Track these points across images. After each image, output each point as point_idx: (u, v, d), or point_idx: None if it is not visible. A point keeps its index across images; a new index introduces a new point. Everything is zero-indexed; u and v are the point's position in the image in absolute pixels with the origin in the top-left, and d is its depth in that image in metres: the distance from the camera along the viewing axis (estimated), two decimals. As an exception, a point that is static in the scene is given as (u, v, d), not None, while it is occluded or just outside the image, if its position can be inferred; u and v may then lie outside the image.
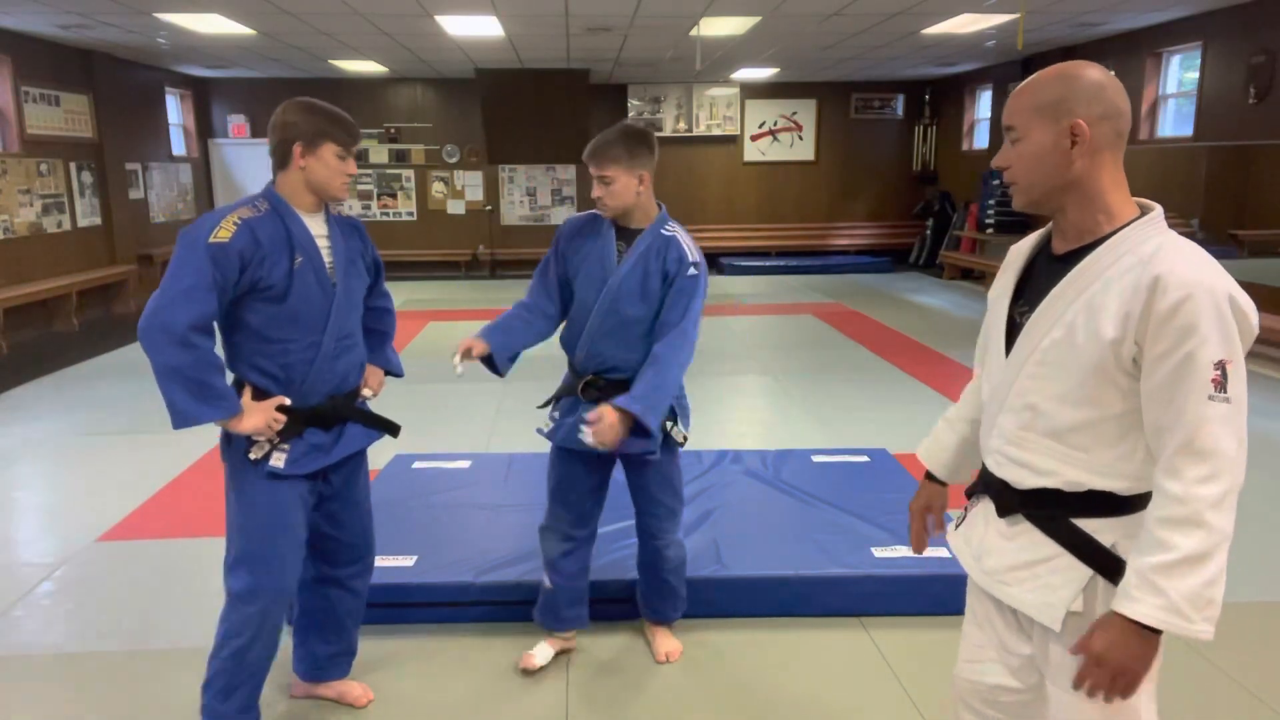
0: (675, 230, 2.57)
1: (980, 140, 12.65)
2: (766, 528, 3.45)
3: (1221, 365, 1.31)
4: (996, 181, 10.81)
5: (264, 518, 2.25)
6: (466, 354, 2.52)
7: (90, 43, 9.27)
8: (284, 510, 2.27)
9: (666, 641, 2.91)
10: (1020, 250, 1.62)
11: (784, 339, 8.29)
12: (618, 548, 3.21)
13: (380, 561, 2.62)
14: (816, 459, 4.23)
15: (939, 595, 3.02)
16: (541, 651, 2.81)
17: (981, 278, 11.52)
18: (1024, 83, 1.47)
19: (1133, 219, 1.43)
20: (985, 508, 1.63)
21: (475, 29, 8.54)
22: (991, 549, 1.59)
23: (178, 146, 12.10)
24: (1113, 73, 1.46)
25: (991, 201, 11.44)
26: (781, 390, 6.39)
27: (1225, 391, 1.31)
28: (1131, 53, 9.02)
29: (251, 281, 2.14)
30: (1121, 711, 1.47)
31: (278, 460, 2.23)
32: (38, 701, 2.73)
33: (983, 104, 12.60)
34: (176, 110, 12.23)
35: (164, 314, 2.04)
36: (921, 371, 6.76)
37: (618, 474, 2.74)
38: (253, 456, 2.21)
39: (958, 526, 1.72)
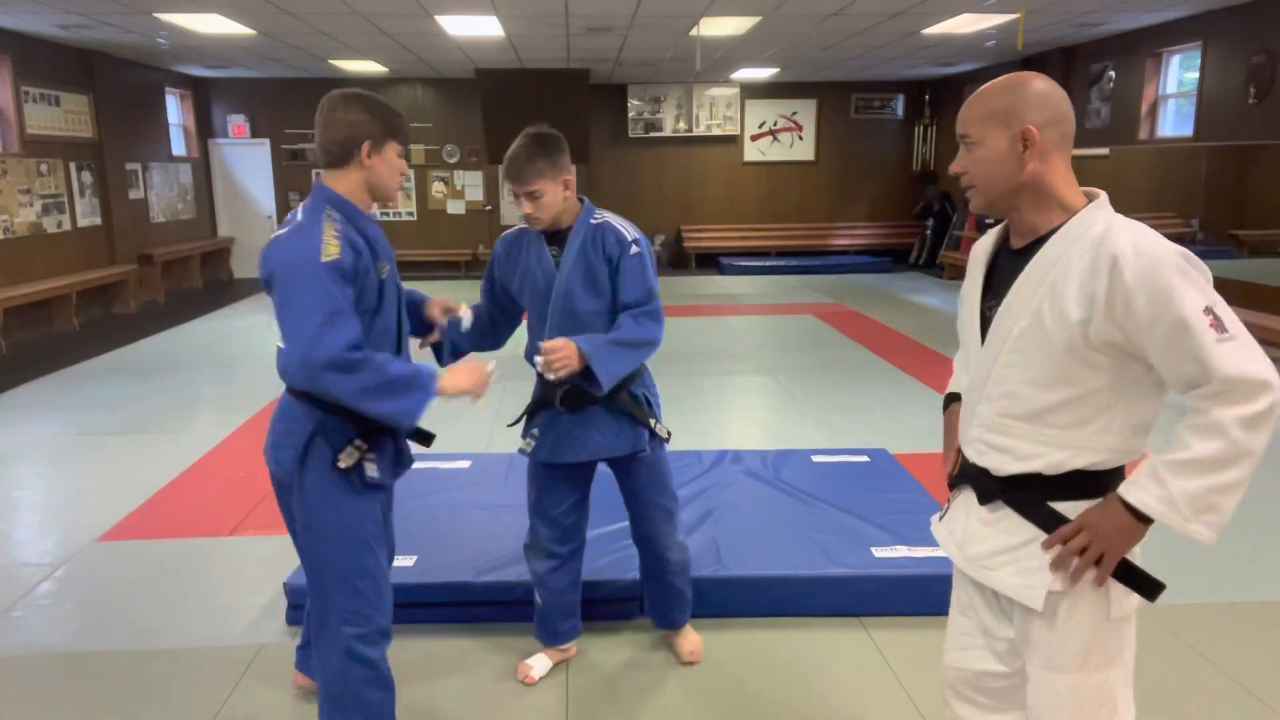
0: (604, 216, 2.55)
1: (980, 140, 12.64)
2: (766, 528, 3.45)
3: (1210, 310, 1.36)
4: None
5: (363, 530, 2.11)
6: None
7: (90, 43, 9.27)
8: (377, 521, 2.16)
9: (687, 640, 2.90)
10: (983, 246, 1.69)
11: (784, 339, 8.29)
12: (617, 548, 3.21)
13: (380, 561, 2.62)
14: (816, 459, 4.22)
15: (939, 595, 3.00)
16: (539, 664, 2.81)
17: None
18: (975, 94, 1.54)
19: (1081, 208, 1.50)
20: (967, 497, 1.68)
21: (475, 29, 8.54)
22: (974, 536, 1.65)
23: (178, 146, 12.09)
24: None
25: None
26: (781, 390, 6.39)
27: (1227, 330, 1.36)
28: (1131, 53, 9.02)
29: (355, 296, 1.99)
30: (1095, 693, 1.53)
31: (371, 470, 2.09)
32: (38, 701, 2.73)
33: (983, 104, 12.60)
34: (176, 110, 12.22)
35: (318, 352, 1.86)
36: (921, 371, 6.76)
37: (612, 481, 2.74)
38: (342, 465, 2.05)
39: (941, 518, 1.78)
